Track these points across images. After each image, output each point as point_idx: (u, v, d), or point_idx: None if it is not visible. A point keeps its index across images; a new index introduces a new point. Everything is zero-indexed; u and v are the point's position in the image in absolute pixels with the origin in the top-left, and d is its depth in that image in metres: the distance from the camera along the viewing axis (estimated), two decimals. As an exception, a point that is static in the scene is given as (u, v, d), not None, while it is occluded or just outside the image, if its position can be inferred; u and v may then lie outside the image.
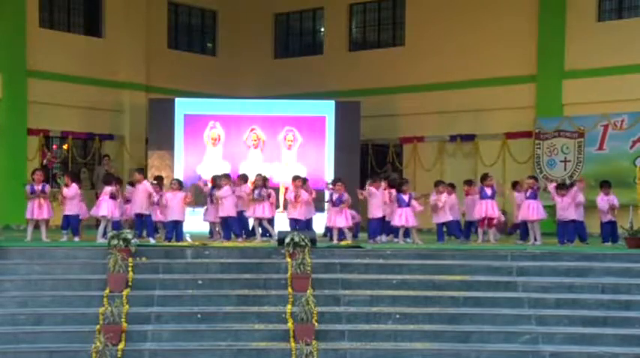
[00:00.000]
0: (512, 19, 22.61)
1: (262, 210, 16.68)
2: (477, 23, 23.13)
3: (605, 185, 17.09)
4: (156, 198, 16.31)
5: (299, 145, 21.90)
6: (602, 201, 16.98)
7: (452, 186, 17.80)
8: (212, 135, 21.92)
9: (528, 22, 22.35)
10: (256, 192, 16.72)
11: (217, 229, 17.13)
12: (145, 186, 16.41)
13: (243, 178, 17.62)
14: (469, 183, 18.31)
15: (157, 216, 16.72)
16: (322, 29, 26.93)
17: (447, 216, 17.08)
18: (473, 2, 23.38)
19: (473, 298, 13.08)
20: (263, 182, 16.97)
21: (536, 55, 22.24)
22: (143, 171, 17.54)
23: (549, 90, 22.00)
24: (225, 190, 16.59)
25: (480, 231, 17.25)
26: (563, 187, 17.15)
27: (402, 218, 16.35)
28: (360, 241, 16.40)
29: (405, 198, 16.50)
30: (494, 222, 17.18)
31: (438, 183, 17.41)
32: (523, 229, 17.44)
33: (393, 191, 16.81)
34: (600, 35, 21.34)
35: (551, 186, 17.19)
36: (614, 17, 21.76)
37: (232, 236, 16.73)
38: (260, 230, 16.97)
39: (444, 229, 17.27)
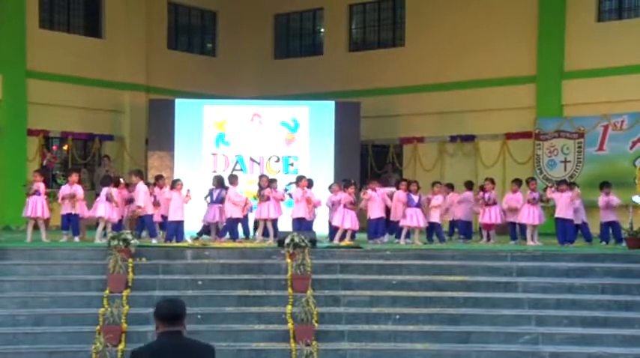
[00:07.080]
0: (512, 19, 22.56)
1: (267, 211, 16.52)
2: (477, 23, 23.09)
3: (604, 186, 17.10)
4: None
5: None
6: (602, 201, 17.01)
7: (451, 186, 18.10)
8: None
9: (528, 23, 22.30)
10: (262, 192, 16.65)
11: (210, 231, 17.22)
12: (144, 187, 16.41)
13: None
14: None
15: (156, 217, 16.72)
16: (322, 29, 26.90)
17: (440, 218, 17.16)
18: (473, 2, 23.35)
19: (473, 298, 13.09)
20: (267, 183, 16.83)
21: (536, 55, 22.20)
22: (141, 172, 17.46)
23: (549, 90, 21.95)
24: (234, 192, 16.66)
25: (484, 233, 17.40)
26: (563, 183, 17.27)
27: (412, 219, 16.28)
28: (359, 241, 16.39)
29: (415, 198, 16.46)
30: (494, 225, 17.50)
31: (434, 184, 17.40)
32: (512, 229, 17.52)
33: (400, 192, 16.72)
34: (600, 35, 21.29)
35: (550, 191, 17.17)
36: (614, 17, 21.72)
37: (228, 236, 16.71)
38: (261, 231, 16.91)
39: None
